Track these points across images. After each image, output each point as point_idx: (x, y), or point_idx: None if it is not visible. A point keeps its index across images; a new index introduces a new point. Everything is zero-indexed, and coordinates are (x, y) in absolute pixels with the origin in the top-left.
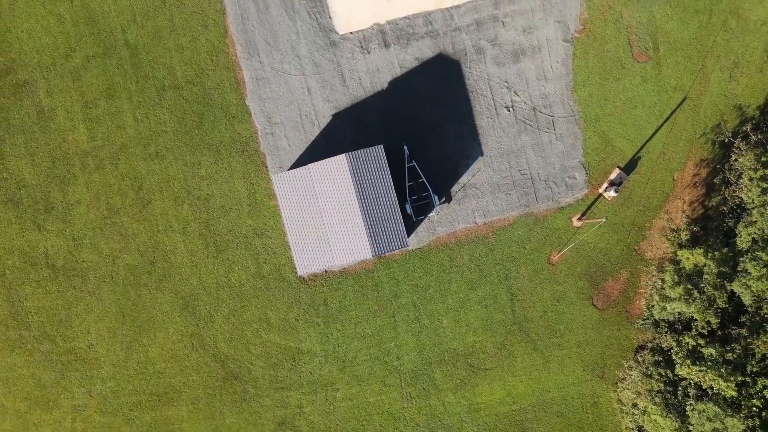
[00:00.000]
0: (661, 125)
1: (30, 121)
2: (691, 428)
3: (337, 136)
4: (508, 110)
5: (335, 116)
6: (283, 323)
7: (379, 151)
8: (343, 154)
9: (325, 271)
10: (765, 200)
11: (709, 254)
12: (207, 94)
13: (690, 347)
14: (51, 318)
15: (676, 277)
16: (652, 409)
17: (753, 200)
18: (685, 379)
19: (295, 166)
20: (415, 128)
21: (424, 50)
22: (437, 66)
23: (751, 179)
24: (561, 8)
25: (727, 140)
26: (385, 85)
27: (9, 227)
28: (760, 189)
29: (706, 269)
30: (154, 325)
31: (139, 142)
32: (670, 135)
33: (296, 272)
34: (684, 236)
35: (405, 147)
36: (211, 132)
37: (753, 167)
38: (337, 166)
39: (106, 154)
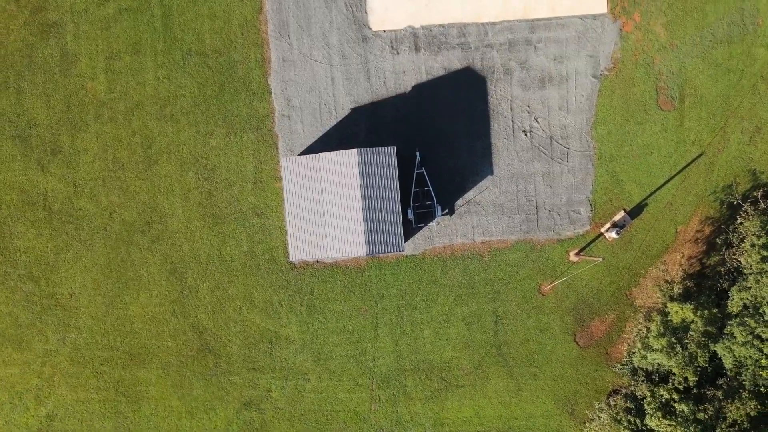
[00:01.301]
0: (674, 176)
1: (52, 63)
2: None
3: (352, 130)
4: (525, 135)
5: (354, 110)
6: (267, 305)
7: (390, 152)
8: (355, 149)
9: (317, 262)
10: (763, 268)
11: (699, 312)
12: (231, 66)
13: (663, 400)
14: (38, 260)
15: (661, 328)
16: None
17: (751, 266)
18: (653, 431)
19: (305, 152)
20: (430, 136)
21: (453, 61)
22: (463, 79)
23: (752, 245)
24: (595, 43)
25: (735, 202)
26: (408, 89)
27: (13, 163)
28: (760, 256)
29: (692, 326)
30: (139, 285)
31: (156, 101)
32: (681, 187)
33: (288, 257)
34: (677, 289)
35: (417, 153)
36: (229, 104)
37: (757, 233)
38: (347, 159)
39: (121, 108)
